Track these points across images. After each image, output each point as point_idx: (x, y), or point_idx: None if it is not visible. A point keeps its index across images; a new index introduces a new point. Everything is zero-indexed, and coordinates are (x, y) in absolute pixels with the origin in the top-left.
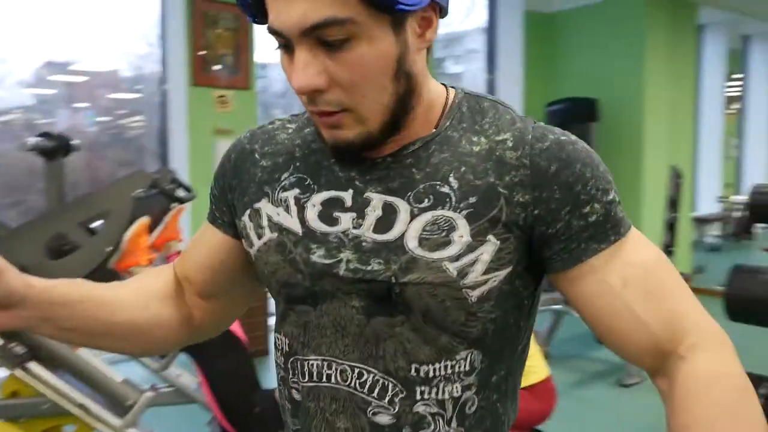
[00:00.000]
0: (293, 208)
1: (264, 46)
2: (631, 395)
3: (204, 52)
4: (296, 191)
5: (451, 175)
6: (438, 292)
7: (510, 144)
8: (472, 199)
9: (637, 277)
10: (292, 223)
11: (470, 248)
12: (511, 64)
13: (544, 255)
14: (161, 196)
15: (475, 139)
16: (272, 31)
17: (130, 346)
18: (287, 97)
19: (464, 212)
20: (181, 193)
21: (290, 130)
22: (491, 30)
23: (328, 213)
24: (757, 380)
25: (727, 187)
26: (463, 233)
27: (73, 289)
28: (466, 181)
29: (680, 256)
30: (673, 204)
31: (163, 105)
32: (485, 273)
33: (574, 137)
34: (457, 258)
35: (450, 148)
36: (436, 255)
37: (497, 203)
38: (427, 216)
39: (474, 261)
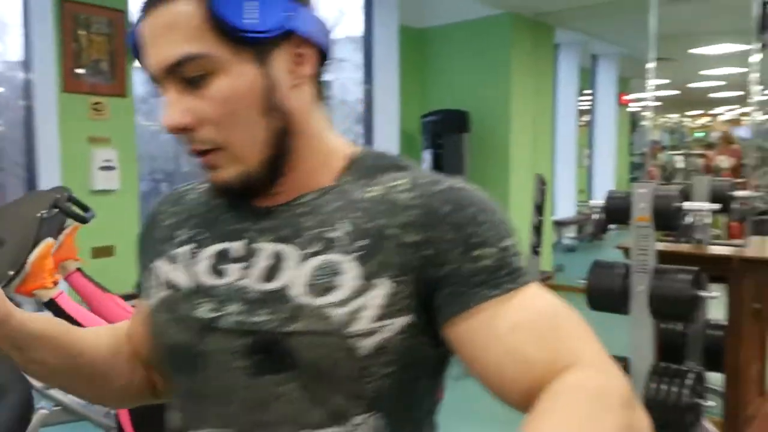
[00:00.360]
0: (185, 264)
1: None
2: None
3: (76, 58)
4: (191, 246)
5: (343, 220)
6: (325, 342)
7: (404, 187)
8: (363, 242)
9: (529, 321)
10: (183, 279)
11: (358, 292)
12: (388, 76)
13: (435, 303)
14: (61, 216)
15: (369, 188)
16: (148, 75)
17: (92, 392)
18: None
19: (354, 255)
20: (79, 211)
21: (200, 191)
22: (367, 42)
23: (218, 266)
24: (617, 361)
25: (580, 193)
26: (351, 277)
27: (51, 326)
28: (357, 225)
29: (543, 256)
30: (539, 209)
31: (29, 112)
32: (377, 320)
33: (472, 186)
34: (343, 303)
35: (345, 197)
36: (320, 301)
37: (388, 245)
38: (315, 261)
39: (363, 306)
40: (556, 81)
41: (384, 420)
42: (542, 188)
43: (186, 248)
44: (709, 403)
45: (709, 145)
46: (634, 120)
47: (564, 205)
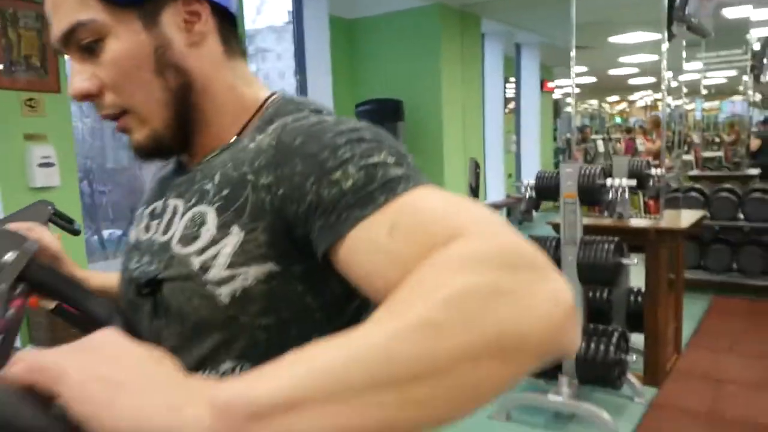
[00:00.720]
0: (137, 223)
1: None
2: None
3: (5, 54)
4: (143, 207)
5: (218, 171)
6: (186, 287)
7: (271, 131)
8: (225, 191)
9: (407, 217)
10: (132, 236)
11: (214, 241)
12: (320, 66)
13: (311, 244)
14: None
15: (258, 136)
16: (54, 49)
17: None
18: None
19: (215, 205)
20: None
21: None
22: (298, 32)
23: (149, 223)
24: None
25: (509, 178)
26: (210, 227)
27: (107, 280)
28: (224, 175)
29: None
30: (474, 191)
31: None
32: (229, 267)
33: (346, 118)
34: (201, 251)
35: (234, 149)
36: (185, 250)
37: (244, 192)
38: (189, 214)
39: (216, 254)
40: (483, 70)
41: (251, 363)
42: (476, 171)
43: (140, 209)
44: (632, 358)
45: (629, 130)
46: (557, 106)
47: (494, 189)
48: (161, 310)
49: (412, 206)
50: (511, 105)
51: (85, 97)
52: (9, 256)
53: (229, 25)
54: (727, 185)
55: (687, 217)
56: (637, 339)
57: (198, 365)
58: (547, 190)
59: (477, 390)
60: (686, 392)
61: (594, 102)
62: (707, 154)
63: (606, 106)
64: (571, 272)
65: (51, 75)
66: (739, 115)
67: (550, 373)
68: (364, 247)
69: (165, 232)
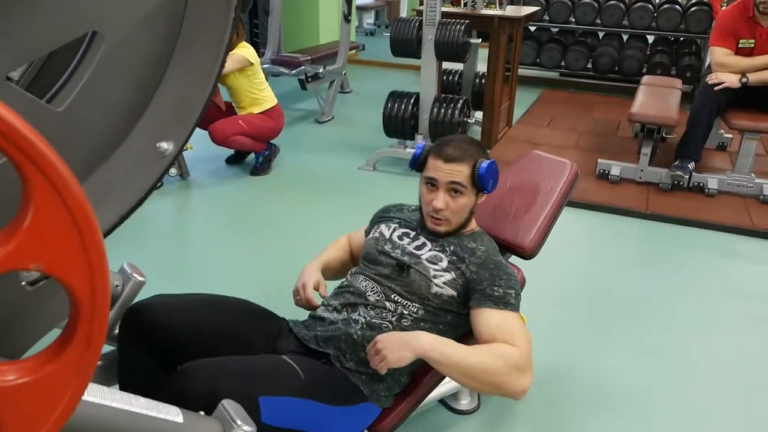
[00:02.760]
0: (389, 229)
1: None
2: (325, 128)
3: None
4: (395, 224)
5: (452, 246)
6: (422, 276)
7: (482, 249)
8: (453, 257)
9: (504, 325)
10: (386, 233)
11: (443, 269)
12: None
13: (469, 299)
14: None
15: (472, 244)
16: (429, 178)
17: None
18: None
19: (448, 258)
20: None
21: (412, 210)
22: None
23: (402, 236)
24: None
25: None
26: (443, 264)
27: (334, 266)
28: (455, 251)
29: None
30: (347, 18)
31: None
32: (444, 284)
33: (506, 265)
34: (436, 270)
35: (459, 240)
36: (429, 265)
37: (462, 264)
38: (434, 252)
39: (442, 276)
40: None
41: (425, 317)
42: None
43: (393, 224)
44: (472, 120)
45: None
46: None
47: None
48: (404, 274)
49: (508, 320)
50: None
51: (439, 209)
52: None
53: None
54: None
55: (526, 10)
56: (479, 115)
57: (397, 298)
58: None
59: (480, 384)
60: (510, 151)
61: None
62: None
63: None
64: (429, 49)
65: None
66: None
67: (408, 133)
68: (484, 320)
69: (417, 249)
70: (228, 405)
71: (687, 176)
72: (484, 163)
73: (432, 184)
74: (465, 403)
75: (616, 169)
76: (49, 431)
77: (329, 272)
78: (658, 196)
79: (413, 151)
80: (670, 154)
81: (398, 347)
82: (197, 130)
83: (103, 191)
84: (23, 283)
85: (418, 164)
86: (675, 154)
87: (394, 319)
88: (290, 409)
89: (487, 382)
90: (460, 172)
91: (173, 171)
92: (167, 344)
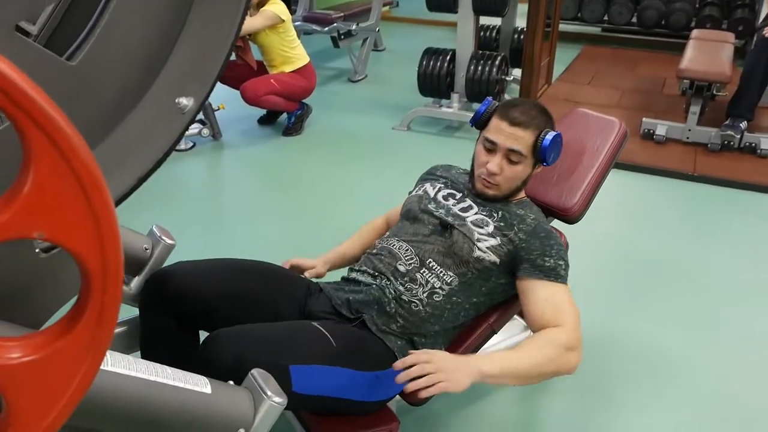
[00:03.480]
0: (434, 188)
1: None
2: (358, 87)
3: None
4: (441, 185)
5: (500, 211)
6: (465, 239)
7: (532, 217)
8: (501, 223)
9: (553, 299)
10: (431, 191)
11: (488, 234)
12: None
13: (517, 265)
14: None
15: (521, 211)
16: (488, 139)
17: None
18: None
19: (495, 224)
20: None
21: (460, 171)
22: None
23: (447, 197)
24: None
25: None
26: (489, 229)
27: (346, 254)
28: (503, 217)
29: None
30: None
31: None
32: (487, 249)
33: (555, 234)
34: (480, 234)
35: (508, 206)
36: (474, 228)
37: (510, 231)
38: (480, 216)
39: (486, 240)
40: None
41: (458, 291)
42: None
43: (440, 184)
44: (511, 77)
45: None
46: None
47: None
48: (445, 234)
49: (557, 294)
50: None
51: (493, 174)
52: None
53: None
54: None
55: None
56: (517, 73)
57: (432, 264)
58: None
59: (537, 379)
60: (550, 110)
61: None
62: None
63: None
64: (467, 3)
65: None
66: None
67: (444, 92)
68: (532, 293)
69: (463, 211)
70: (258, 374)
71: (738, 136)
72: (550, 135)
73: (490, 145)
74: None
75: (661, 128)
76: (62, 412)
77: (348, 260)
78: (707, 157)
79: (449, 110)
80: (720, 112)
81: (459, 371)
82: (229, 89)
83: (121, 152)
84: (36, 250)
85: (480, 121)
86: (726, 112)
87: (425, 295)
88: (322, 377)
89: (542, 374)
90: (523, 139)
91: (205, 131)
92: (192, 311)
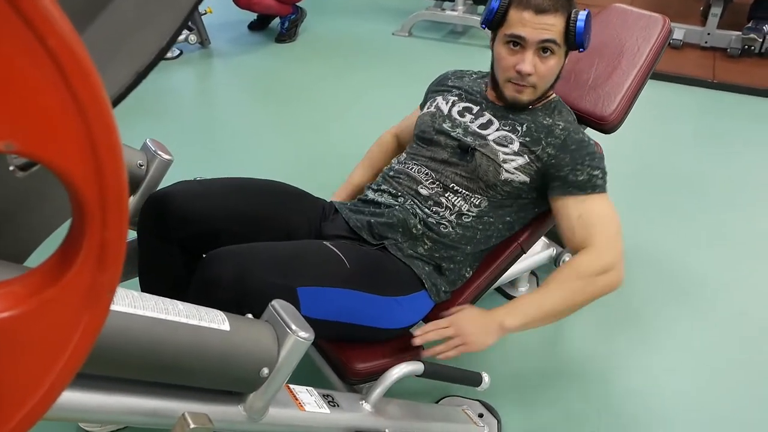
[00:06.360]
0: (447, 103)
1: None
2: None
3: None
4: (455, 98)
5: (525, 124)
6: (490, 161)
7: (561, 127)
8: (527, 138)
9: (587, 216)
10: (444, 108)
11: (514, 153)
12: None
13: (547, 186)
14: None
15: (548, 119)
16: (513, 35)
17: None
18: None
19: (520, 140)
20: None
21: (474, 78)
22: None
23: (462, 112)
24: None
25: None
26: (514, 147)
27: (364, 176)
28: (529, 129)
29: None
30: None
31: None
32: (515, 170)
33: (588, 140)
34: (506, 154)
35: (533, 114)
36: (497, 148)
37: (537, 147)
38: (502, 132)
39: (513, 160)
40: None
41: (489, 211)
42: None
43: (452, 97)
44: None
45: None
46: None
47: None
48: (467, 158)
49: (590, 210)
50: None
51: (527, 74)
52: None
53: None
54: None
55: None
56: None
57: (457, 188)
58: None
59: (573, 309)
60: None
61: None
62: None
63: None
64: None
65: None
66: None
67: None
68: (566, 210)
69: (482, 128)
70: (280, 306)
71: (761, 40)
72: (582, 14)
73: (516, 42)
74: (523, 290)
75: (678, 32)
76: (61, 376)
77: (363, 191)
78: (726, 62)
79: (453, 13)
80: (741, 16)
81: (480, 333)
82: None
83: (114, 38)
84: (11, 168)
85: (495, 19)
86: (748, 15)
87: (453, 217)
88: (333, 301)
89: (573, 307)
90: (554, 26)
91: (193, 38)
92: (195, 234)
